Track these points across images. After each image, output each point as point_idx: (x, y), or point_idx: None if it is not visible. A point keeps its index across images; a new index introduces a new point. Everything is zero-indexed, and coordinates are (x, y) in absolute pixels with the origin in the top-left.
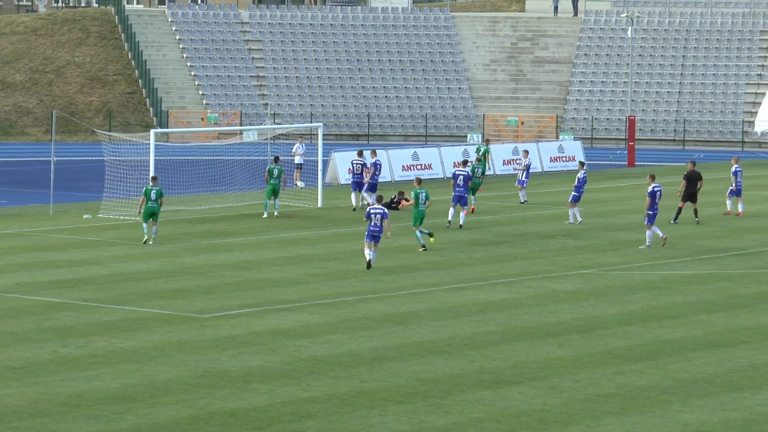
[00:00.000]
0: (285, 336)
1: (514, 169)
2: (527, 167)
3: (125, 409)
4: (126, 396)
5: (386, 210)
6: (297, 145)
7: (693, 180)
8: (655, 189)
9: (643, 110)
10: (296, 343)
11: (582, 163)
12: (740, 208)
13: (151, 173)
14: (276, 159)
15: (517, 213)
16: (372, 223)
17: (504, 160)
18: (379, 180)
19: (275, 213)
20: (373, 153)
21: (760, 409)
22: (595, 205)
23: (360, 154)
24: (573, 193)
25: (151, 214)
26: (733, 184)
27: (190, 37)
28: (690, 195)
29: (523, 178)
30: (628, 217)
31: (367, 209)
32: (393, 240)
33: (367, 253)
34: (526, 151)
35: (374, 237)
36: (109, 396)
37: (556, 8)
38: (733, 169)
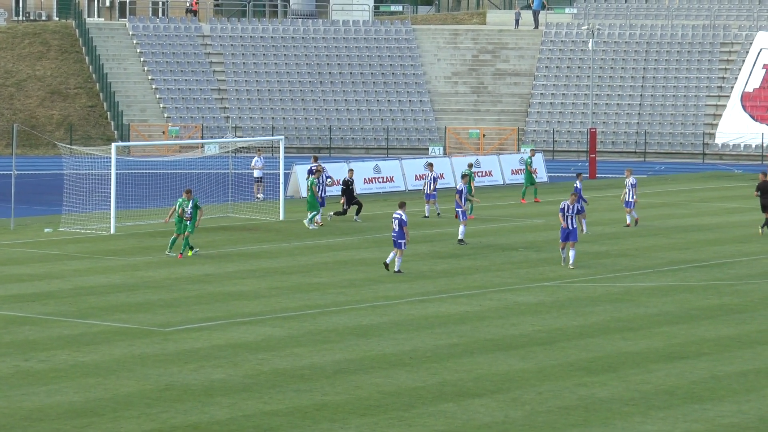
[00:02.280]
0: (247, 349)
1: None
2: (434, 180)
3: (87, 423)
4: (88, 410)
5: (404, 216)
6: (256, 158)
7: (765, 191)
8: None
9: (604, 122)
10: (258, 356)
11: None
12: (628, 220)
13: (113, 186)
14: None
15: (479, 225)
16: (393, 230)
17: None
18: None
19: (312, 224)
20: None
21: (721, 420)
22: (556, 217)
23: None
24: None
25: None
26: (630, 196)
27: (150, 51)
28: (765, 205)
29: (430, 192)
30: (590, 229)
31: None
32: (355, 252)
33: (390, 255)
34: (431, 164)
35: (394, 243)
36: (71, 410)
37: (517, 21)
38: (632, 181)
